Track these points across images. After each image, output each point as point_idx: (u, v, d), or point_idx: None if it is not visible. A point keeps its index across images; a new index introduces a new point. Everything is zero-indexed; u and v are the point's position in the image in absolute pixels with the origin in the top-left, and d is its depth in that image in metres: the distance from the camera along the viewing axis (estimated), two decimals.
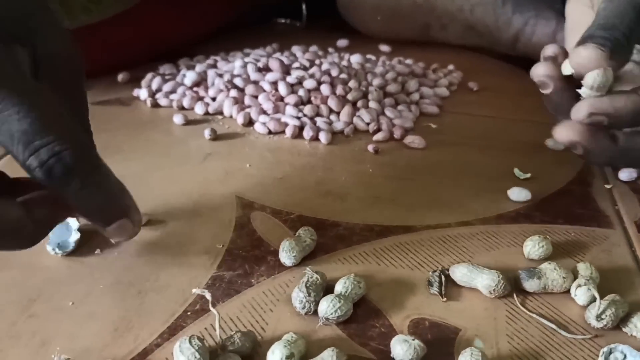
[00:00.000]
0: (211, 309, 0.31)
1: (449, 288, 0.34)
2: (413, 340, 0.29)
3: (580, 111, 0.33)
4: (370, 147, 0.48)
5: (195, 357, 0.27)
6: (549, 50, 0.36)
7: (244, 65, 0.56)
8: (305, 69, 0.55)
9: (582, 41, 0.33)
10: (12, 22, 0.29)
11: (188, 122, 0.52)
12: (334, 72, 0.55)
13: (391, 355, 0.29)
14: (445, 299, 0.33)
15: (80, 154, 0.27)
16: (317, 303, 0.31)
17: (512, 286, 0.34)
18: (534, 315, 0.32)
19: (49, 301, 0.32)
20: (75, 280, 0.34)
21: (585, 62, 0.33)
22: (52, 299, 0.32)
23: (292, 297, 0.32)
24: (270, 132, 0.50)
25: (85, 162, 0.27)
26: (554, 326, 0.31)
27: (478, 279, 0.34)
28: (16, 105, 0.26)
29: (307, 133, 0.49)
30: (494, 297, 0.33)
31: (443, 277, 0.34)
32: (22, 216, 0.27)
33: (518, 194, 0.42)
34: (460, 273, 0.34)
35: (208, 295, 0.31)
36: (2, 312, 0.31)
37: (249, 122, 0.51)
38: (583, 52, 0.33)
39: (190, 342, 0.28)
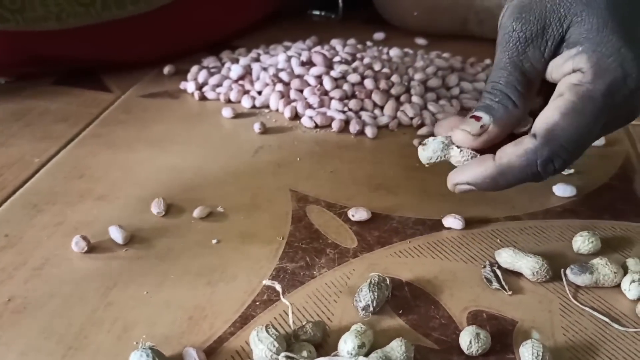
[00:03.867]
0: (283, 300, 0.32)
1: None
2: (481, 331, 0.30)
3: (449, 184, 0.37)
4: (416, 142, 0.49)
5: (274, 346, 0.29)
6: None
7: (288, 59, 0.57)
8: (347, 63, 0.56)
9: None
10: None
11: (237, 115, 0.53)
12: (377, 67, 0.56)
13: (460, 345, 0.31)
14: (511, 292, 0.34)
15: None
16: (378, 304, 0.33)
17: (564, 279, 0.35)
18: (587, 309, 0.34)
19: (125, 290, 0.34)
20: (146, 271, 0.36)
21: (461, 143, 0.36)
22: (128, 288, 0.34)
23: (359, 296, 0.33)
24: (316, 126, 0.51)
25: None
26: (607, 319, 0.33)
27: (523, 262, 0.35)
28: None
29: (354, 127, 0.50)
30: (537, 280, 0.35)
31: (497, 271, 0.36)
32: None
33: (564, 190, 0.43)
34: (505, 255, 0.36)
35: (278, 287, 0.33)
36: (82, 300, 0.33)
37: (296, 116, 0.53)
38: (459, 134, 0.36)
39: (267, 331, 0.29)
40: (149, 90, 0.58)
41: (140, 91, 0.58)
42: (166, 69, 0.60)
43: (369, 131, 0.50)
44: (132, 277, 0.35)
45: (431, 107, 0.53)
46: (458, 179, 0.36)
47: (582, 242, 0.37)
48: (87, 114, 0.54)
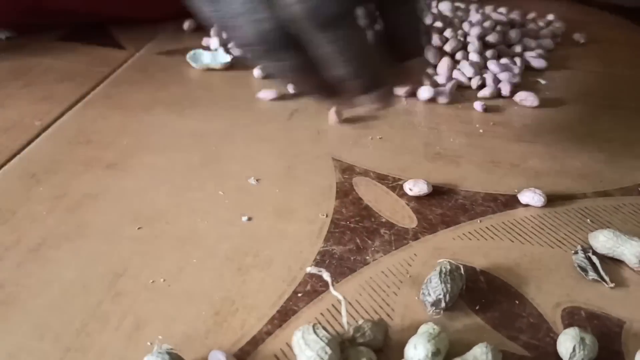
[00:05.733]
0: (333, 292, 0.26)
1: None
2: (586, 335, 0.24)
3: None
4: (478, 105, 0.42)
5: (326, 353, 0.22)
6: None
7: None
8: None
9: None
10: None
11: (268, 75, 0.46)
12: (427, 20, 0.49)
13: (558, 351, 0.24)
14: (612, 285, 0.28)
15: None
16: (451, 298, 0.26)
17: None
18: None
19: (138, 277, 0.28)
20: (164, 253, 0.29)
21: None
22: (141, 274, 0.28)
23: (427, 288, 0.27)
24: None
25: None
26: None
27: (626, 246, 0.29)
28: None
29: (425, 96, 0.43)
30: None
31: (593, 258, 0.29)
32: None
33: None
34: (603, 238, 0.29)
35: (326, 276, 0.26)
36: (85, 288, 0.27)
37: None
38: None
39: (315, 332, 0.23)
40: (166, 48, 0.51)
41: (156, 48, 0.51)
42: (186, 24, 0.53)
43: (424, 92, 0.43)
44: (146, 261, 0.29)
45: (492, 66, 0.46)
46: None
47: None
48: (97, 72, 0.47)
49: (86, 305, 0.26)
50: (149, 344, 0.24)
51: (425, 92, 0.43)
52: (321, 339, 0.23)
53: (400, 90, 0.43)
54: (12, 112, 0.41)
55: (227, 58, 0.47)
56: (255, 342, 0.25)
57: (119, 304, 0.26)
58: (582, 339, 0.24)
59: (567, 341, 0.24)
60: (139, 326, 0.25)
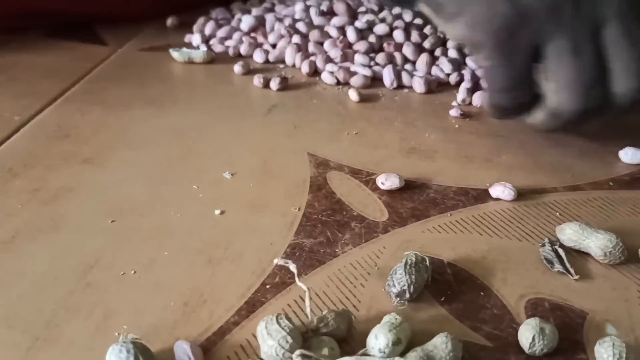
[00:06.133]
0: (299, 284, 0.26)
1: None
2: (545, 325, 0.24)
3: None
4: (454, 101, 0.42)
5: (287, 342, 0.23)
6: None
7: (306, 9, 0.50)
8: (374, 12, 0.50)
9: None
10: None
11: (248, 72, 0.47)
12: (407, 17, 0.49)
13: (519, 341, 0.25)
14: (577, 277, 0.28)
15: None
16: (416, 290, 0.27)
17: None
18: None
19: (109, 269, 0.28)
20: (135, 245, 0.30)
21: None
22: (112, 266, 0.28)
23: (392, 279, 0.27)
24: (338, 83, 0.45)
25: None
26: None
27: (591, 239, 0.29)
28: None
29: (389, 78, 0.43)
30: (608, 262, 0.29)
31: (560, 250, 0.29)
32: None
33: (632, 156, 0.37)
34: (570, 231, 0.30)
35: (293, 267, 0.27)
36: (57, 279, 0.27)
37: (315, 72, 0.46)
38: None
39: (278, 322, 0.23)
40: (149, 44, 0.51)
41: (139, 45, 0.52)
42: (169, 21, 0.54)
43: (417, 84, 0.43)
44: (117, 253, 0.29)
45: (470, 61, 0.46)
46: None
47: None
48: (79, 68, 0.47)
49: (57, 296, 0.27)
50: (116, 334, 0.25)
51: (417, 83, 0.43)
52: (283, 329, 0.23)
53: (387, 81, 0.44)
54: None
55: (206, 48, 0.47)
56: (222, 332, 0.25)
57: (89, 294, 0.27)
58: (542, 329, 0.24)
59: (527, 331, 0.24)
60: (107, 317, 0.26)
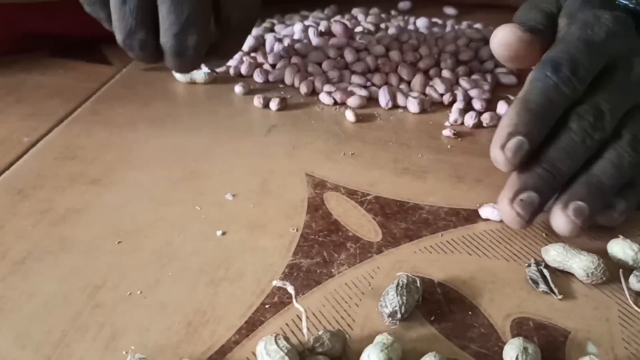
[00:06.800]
0: (297, 305, 0.28)
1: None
2: (529, 345, 0.26)
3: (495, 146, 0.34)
4: (447, 121, 0.44)
5: None
6: None
7: (305, 30, 0.52)
8: (370, 33, 0.51)
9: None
10: None
11: (248, 92, 0.48)
12: (403, 38, 0.50)
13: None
14: (561, 297, 0.30)
15: None
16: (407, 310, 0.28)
17: (623, 283, 0.30)
18: None
19: (116, 289, 0.30)
20: (141, 266, 0.31)
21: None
22: (119, 286, 0.30)
23: (384, 300, 0.28)
24: (336, 103, 0.46)
25: None
26: None
27: (575, 260, 0.31)
28: None
29: (385, 98, 0.45)
30: (591, 282, 0.30)
31: (545, 270, 0.31)
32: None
33: None
34: (554, 252, 0.31)
35: (290, 289, 0.28)
36: (66, 300, 0.29)
37: (313, 92, 0.48)
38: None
39: (276, 342, 0.25)
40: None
41: (143, 64, 0.53)
42: None
43: (411, 105, 0.45)
44: (124, 274, 0.31)
45: (463, 82, 0.48)
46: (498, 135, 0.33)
47: None
48: (84, 88, 0.49)
49: (66, 316, 0.28)
50: (124, 353, 0.26)
51: (412, 103, 0.45)
52: (281, 349, 0.25)
53: (383, 102, 0.45)
54: (2, 129, 0.43)
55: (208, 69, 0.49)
56: (224, 351, 0.27)
57: (98, 315, 0.28)
58: (525, 349, 0.26)
59: (511, 350, 0.26)
60: (115, 336, 0.27)
